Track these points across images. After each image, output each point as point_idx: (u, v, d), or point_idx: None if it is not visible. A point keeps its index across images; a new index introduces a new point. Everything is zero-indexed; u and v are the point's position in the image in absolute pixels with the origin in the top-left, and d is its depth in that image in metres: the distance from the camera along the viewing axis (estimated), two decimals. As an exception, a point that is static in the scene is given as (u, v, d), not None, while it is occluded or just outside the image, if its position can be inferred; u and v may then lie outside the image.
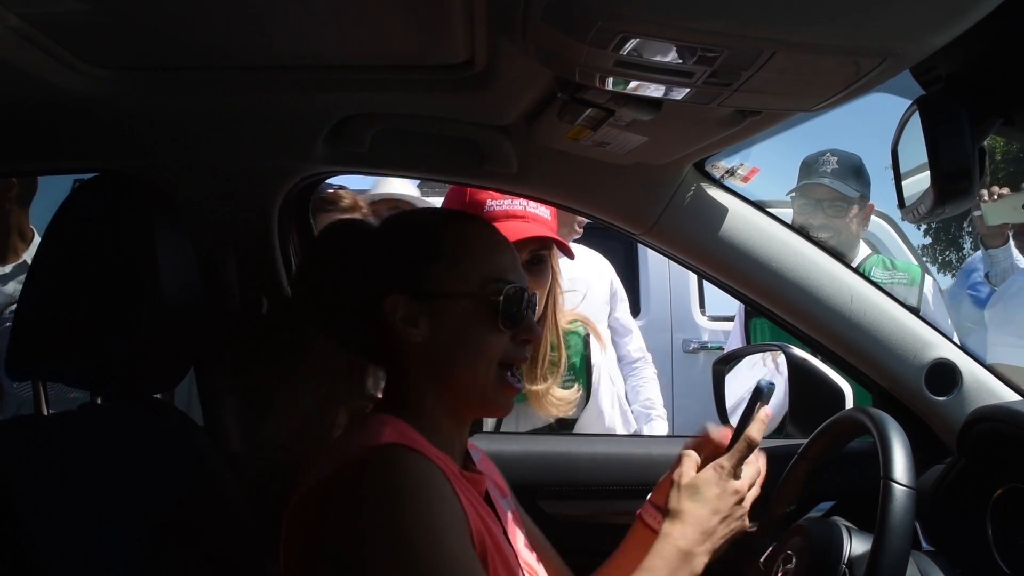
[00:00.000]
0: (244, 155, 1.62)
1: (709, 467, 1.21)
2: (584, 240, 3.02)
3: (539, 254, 1.78)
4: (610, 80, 1.04)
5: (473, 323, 1.16)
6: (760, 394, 1.27)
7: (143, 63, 1.33)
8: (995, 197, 3.17)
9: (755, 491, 1.24)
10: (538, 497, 1.76)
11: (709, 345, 4.14)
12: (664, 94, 1.07)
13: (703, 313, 4.31)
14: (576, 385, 1.92)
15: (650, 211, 1.63)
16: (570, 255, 1.84)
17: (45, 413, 1.30)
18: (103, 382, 1.28)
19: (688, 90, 1.04)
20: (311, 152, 1.58)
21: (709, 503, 1.18)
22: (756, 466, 1.25)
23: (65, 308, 1.24)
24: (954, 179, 1.01)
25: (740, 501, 1.21)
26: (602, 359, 2.01)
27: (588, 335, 1.99)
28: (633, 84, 1.05)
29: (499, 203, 1.77)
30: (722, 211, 1.63)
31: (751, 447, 1.22)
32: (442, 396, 1.18)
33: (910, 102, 1.07)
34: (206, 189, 1.65)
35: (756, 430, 1.23)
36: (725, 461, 1.21)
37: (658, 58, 0.94)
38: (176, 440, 1.37)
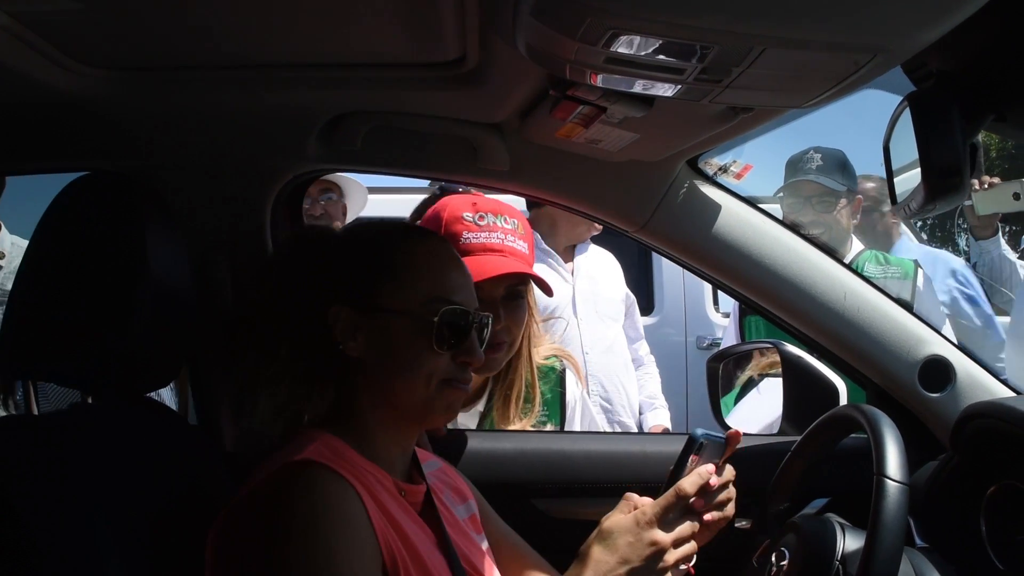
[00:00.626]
0: (237, 154, 1.62)
1: (631, 514, 1.15)
2: (600, 237, 3.09)
3: (516, 289, 1.70)
4: (601, 77, 1.04)
5: (410, 341, 1.16)
6: (693, 445, 1.21)
7: (135, 63, 1.33)
8: (986, 187, 3.16)
9: (688, 548, 1.15)
10: (533, 495, 1.75)
11: (722, 341, 4.13)
12: (655, 91, 1.07)
13: (717, 309, 4.32)
14: (549, 425, 1.88)
15: (643, 208, 1.63)
16: (548, 292, 1.72)
17: (35, 413, 1.30)
18: (97, 382, 1.28)
19: (679, 86, 1.04)
20: (304, 150, 1.58)
21: (618, 551, 1.12)
22: (692, 522, 1.16)
23: (57, 308, 1.23)
24: (945, 175, 1.01)
25: (660, 553, 1.12)
26: (577, 392, 1.94)
27: (564, 370, 1.92)
28: (624, 80, 1.05)
29: (475, 236, 1.68)
30: (715, 208, 1.63)
31: (681, 499, 1.15)
32: (382, 410, 1.18)
33: (901, 98, 1.07)
34: (199, 187, 1.65)
35: (690, 483, 1.16)
36: (648, 509, 1.14)
37: (648, 55, 0.94)
38: (172, 439, 1.36)
